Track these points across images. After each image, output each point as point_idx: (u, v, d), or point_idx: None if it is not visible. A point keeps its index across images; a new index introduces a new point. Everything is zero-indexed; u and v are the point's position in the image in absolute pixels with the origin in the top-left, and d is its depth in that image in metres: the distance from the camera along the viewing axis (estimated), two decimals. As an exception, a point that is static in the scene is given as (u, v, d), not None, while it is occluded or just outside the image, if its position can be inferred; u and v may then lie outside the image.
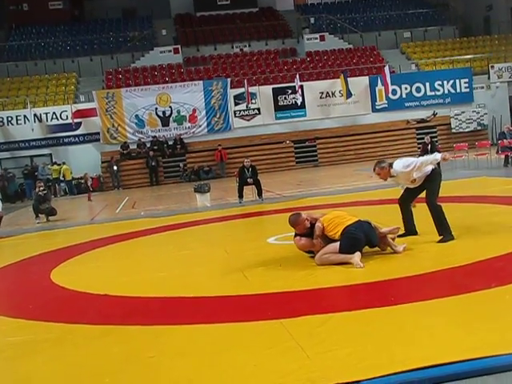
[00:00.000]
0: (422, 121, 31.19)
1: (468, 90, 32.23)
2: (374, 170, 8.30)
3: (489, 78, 32.75)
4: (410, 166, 8.01)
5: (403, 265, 6.88)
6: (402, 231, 8.30)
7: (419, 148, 26.24)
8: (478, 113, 31.32)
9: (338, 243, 7.24)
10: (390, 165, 8.16)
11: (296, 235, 7.80)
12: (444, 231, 7.93)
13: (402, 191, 8.64)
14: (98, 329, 5.55)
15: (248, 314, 5.63)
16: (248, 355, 4.49)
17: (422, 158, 8.23)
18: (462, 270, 6.38)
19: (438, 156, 8.14)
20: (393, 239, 7.72)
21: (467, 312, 5.00)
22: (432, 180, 8.13)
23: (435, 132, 29.97)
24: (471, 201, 11.62)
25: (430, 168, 8.10)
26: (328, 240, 7.44)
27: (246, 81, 30.59)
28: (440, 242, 7.83)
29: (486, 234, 8.11)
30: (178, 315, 5.84)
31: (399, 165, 8.10)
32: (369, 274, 6.57)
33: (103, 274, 8.40)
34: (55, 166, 29.09)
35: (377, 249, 7.60)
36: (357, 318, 5.10)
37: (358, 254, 7.08)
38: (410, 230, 8.51)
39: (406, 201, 8.54)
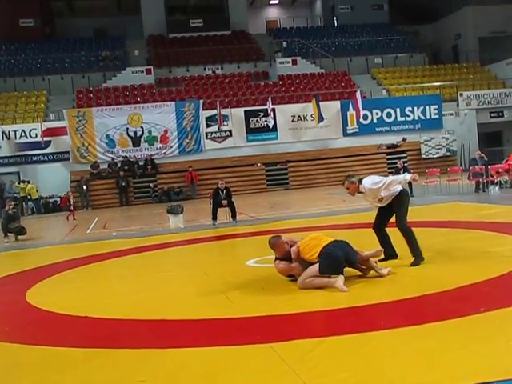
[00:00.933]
0: (393, 146, 31.54)
1: (437, 116, 32.76)
2: (344, 183, 8.29)
3: (458, 105, 33.35)
4: (378, 183, 8.06)
5: (388, 289, 6.84)
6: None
7: (390, 173, 26.48)
8: (447, 139, 31.80)
9: (318, 265, 7.19)
10: (360, 180, 8.19)
11: (276, 259, 7.73)
12: (416, 252, 8.01)
13: (375, 217, 8.62)
14: (82, 352, 5.37)
15: (236, 337, 5.51)
16: (242, 380, 4.40)
17: (391, 177, 8.31)
18: (448, 294, 6.37)
19: (407, 176, 8.24)
20: (376, 262, 7.70)
21: (460, 337, 4.96)
22: (401, 202, 8.17)
23: (405, 157, 30.26)
24: (447, 226, 11.70)
25: (398, 188, 8.16)
26: (307, 264, 7.36)
27: (218, 103, 30.59)
28: (412, 265, 7.89)
29: (466, 259, 8.14)
30: (164, 338, 5.69)
31: (368, 181, 8.15)
32: (355, 298, 6.51)
33: (81, 295, 8.18)
34: (22, 185, 28.60)
35: (360, 273, 7.55)
36: (348, 342, 5.04)
37: (341, 278, 7.01)
38: (390, 254, 8.47)
39: (379, 226, 8.51)
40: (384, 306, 6.20)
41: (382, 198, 8.14)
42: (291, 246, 7.55)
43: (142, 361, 5.02)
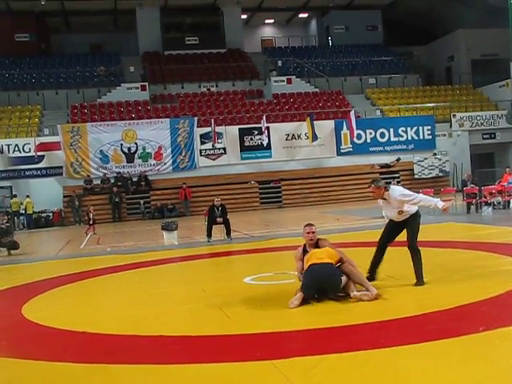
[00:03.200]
0: (386, 166, 31.63)
1: (431, 137, 32.93)
2: (370, 186, 8.21)
3: (451, 126, 33.56)
4: (408, 196, 7.99)
5: (388, 307, 6.84)
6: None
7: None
8: (440, 160, 32.01)
9: None
10: (386, 187, 8.14)
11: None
12: (418, 275, 7.99)
13: (383, 232, 8.51)
14: (82, 368, 5.33)
15: (237, 354, 5.48)
16: (245, 397, 4.38)
17: (423, 196, 8.23)
18: (447, 313, 6.37)
19: (439, 204, 8.09)
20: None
21: (460, 355, 4.97)
22: (415, 223, 8.12)
23: (398, 177, 30.38)
24: (443, 246, 11.72)
25: (416, 207, 8.12)
26: None
27: (212, 120, 30.66)
28: (416, 285, 7.89)
29: (464, 279, 8.16)
30: (164, 354, 5.65)
31: (398, 190, 8.11)
32: (355, 316, 6.51)
33: (78, 310, 8.14)
34: (15, 199, 28.54)
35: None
36: (351, 360, 5.04)
37: (300, 295, 7.21)
38: (372, 275, 8.30)
39: (385, 243, 8.40)
40: (384, 324, 6.19)
41: (402, 212, 8.06)
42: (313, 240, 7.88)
43: (142, 377, 4.99)
